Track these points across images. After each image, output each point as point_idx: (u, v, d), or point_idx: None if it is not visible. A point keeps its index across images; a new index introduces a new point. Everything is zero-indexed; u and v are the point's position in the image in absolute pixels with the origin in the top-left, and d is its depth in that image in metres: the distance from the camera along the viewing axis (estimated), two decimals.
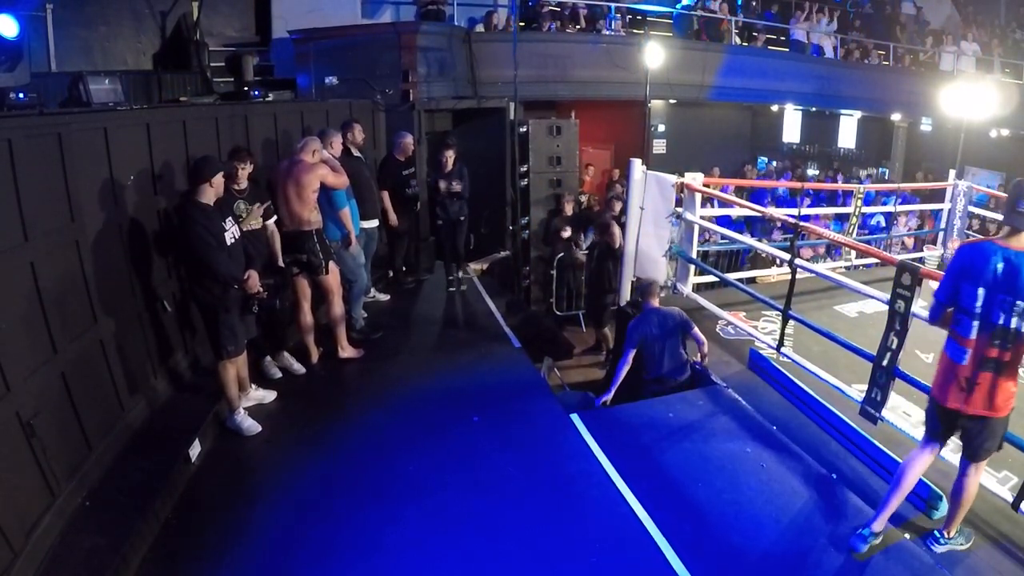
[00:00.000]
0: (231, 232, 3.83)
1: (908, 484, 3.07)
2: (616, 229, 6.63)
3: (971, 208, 7.43)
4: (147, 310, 3.99)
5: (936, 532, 3.14)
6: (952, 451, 3.23)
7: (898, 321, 3.61)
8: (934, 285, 3.04)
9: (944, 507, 3.22)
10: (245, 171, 4.22)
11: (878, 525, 3.07)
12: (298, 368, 4.72)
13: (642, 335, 4.73)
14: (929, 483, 3.34)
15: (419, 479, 3.65)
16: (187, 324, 4.41)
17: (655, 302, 4.91)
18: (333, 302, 4.92)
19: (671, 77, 10.64)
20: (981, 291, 2.71)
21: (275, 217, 4.49)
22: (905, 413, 4.12)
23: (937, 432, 3.01)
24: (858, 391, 3.99)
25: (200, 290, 3.78)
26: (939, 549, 3.11)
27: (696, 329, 4.78)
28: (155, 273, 4.04)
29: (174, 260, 4.12)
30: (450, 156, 6.40)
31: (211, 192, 3.72)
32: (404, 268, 6.90)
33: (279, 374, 4.68)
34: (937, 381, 2.92)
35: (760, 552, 3.13)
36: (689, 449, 3.96)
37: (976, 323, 2.74)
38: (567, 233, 8.54)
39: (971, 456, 2.92)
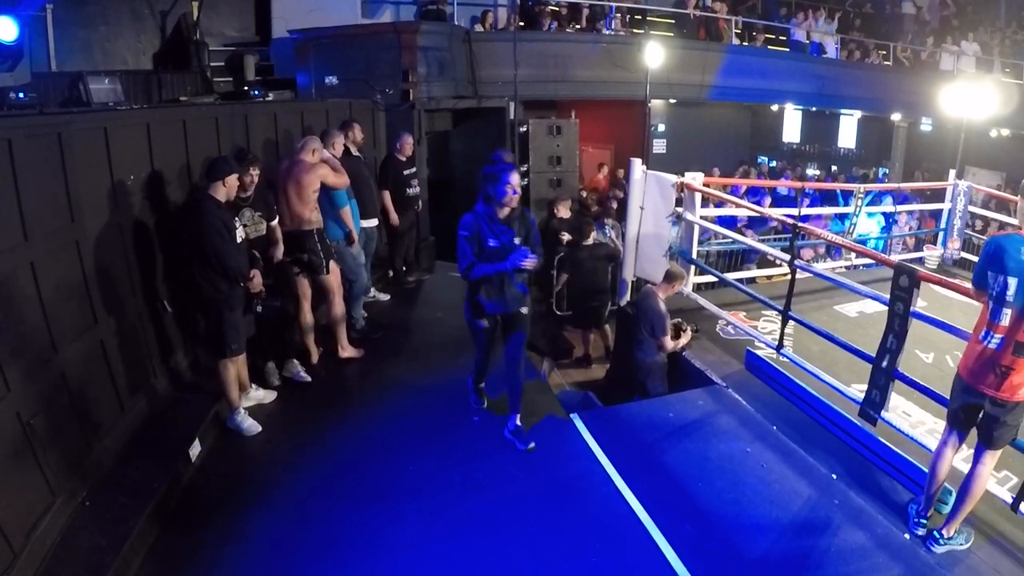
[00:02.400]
0: (239, 231, 3.87)
1: (942, 475, 3.19)
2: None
3: (971, 208, 7.43)
4: (147, 310, 3.99)
5: (935, 532, 3.14)
6: (963, 460, 3.29)
7: (897, 323, 3.61)
8: (932, 287, 3.07)
9: (952, 500, 3.24)
10: (251, 179, 4.19)
11: (927, 512, 3.26)
12: (304, 378, 4.64)
13: (635, 307, 5.13)
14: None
15: (419, 479, 3.65)
16: (187, 324, 4.40)
17: (660, 291, 5.06)
18: (333, 302, 4.92)
19: (671, 77, 10.64)
20: (1013, 280, 2.77)
21: (276, 219, 4.45)
22: (904, 413, 4.13)
23: (959, 420, 3.08)
24: (858, 391, 3.99)
25: (207, 286, 3.77)
26: (938, 550, 3.11)
27: (662, 336, 4.90)
28: (155, 273, 4.04)
29: (178, 258, 4.10)
30: (515, 183, 3.56)
31: (223, 192, 3.77)
32: (404, 268, 6.89)
33: (278, 382, 4.60)
34: (968, 365, 2.97)
35: (760, 552, 3.13)
36: (690, 449, 3.97)
37: (1008, 311, 2.80)
38: (567, 237, 8.51)
39: (988, 442, 2.98)
